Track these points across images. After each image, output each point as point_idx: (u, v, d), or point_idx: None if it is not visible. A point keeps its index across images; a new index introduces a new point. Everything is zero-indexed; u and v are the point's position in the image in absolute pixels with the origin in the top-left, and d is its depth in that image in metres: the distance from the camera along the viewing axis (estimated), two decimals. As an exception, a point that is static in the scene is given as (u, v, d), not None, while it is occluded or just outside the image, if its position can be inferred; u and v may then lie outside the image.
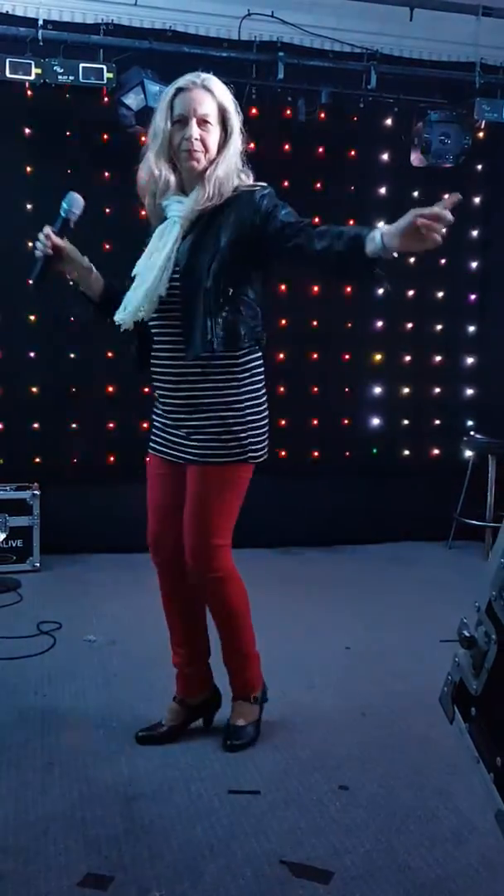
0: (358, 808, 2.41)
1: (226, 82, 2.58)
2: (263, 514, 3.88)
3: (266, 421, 2.65)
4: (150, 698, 3.00)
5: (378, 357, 5.44)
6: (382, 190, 5.28)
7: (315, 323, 5.31)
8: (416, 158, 5.08)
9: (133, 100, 4.42)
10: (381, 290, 5.03)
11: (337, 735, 2.83)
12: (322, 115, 4.93)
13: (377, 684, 3.25)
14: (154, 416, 2.71)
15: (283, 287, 5.13)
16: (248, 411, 2.57)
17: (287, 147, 5.08)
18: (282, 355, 5.15)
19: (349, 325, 5.38)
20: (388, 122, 5.19)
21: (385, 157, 5.29)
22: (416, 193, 5.19)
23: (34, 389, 4.90)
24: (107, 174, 4.78)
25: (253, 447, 2.58)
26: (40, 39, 4.42)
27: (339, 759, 2.67)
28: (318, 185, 5.15)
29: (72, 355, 4.93)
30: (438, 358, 5.55)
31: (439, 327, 5.54)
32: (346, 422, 5.44)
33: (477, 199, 5.45)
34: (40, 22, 4.48)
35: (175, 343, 2.54)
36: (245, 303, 2.53)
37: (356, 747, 2.75)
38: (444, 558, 5.22)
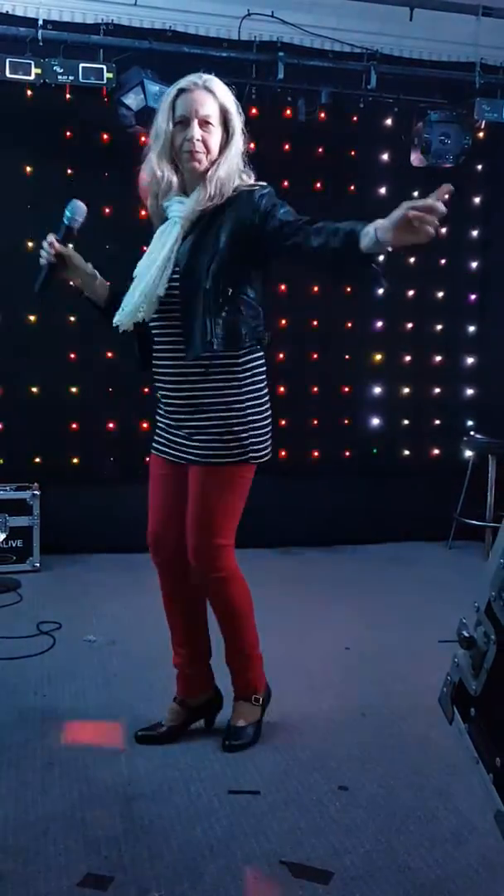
0: (358, 808, 2.41)
1: (226, 82, 2.58)
2: (264, 514, 3.87)
3: (268, 421, 2.64)
4: (149, 698, 3.00)
5: (378, 357, 5.45)
6: (382, 190, 5.28)
7: (315, 323, 5.31)
8: (416, 158, 5.08)
9: (133, 100, 4.41)
10: (380, 290, 5.04)
11: (337, 735, 2.83)
12: (322, 115, 4.93)
13: (377, 684, 3.25)
14: (158, 417, 2.71)
15: (283, 287, 5.13)
16: (249, 411, 2.56)
17: (287, 147, 5.08)
18: (282, 355, 5.15)
19: (349, 325, 5.39)
20: (388, 122, 5.19)
21: (385, 157, 5.29)
22: (416, 193, 5.14)
23: (34, 389, 4.90)
24: (107, 174, 4.78)
25: (254, 447, 2.58)
26: (40, 39, 4.42)
27: (338, 760, 2.67)
28: (318, 185, 5.15)
29: (72, 355, 4.93)
30: (438, 358, 5.56)
31: (439, 327, 5.55)
32: (346, 422, 5.44)
33: (477, 199, 5.46)
34: (40, 22, 4.47)
35: (175, 343, 2.53)
36: (245, 302, 2.53)
37: (356, 748, 2.75)
38: (444, 558, 5.22)
